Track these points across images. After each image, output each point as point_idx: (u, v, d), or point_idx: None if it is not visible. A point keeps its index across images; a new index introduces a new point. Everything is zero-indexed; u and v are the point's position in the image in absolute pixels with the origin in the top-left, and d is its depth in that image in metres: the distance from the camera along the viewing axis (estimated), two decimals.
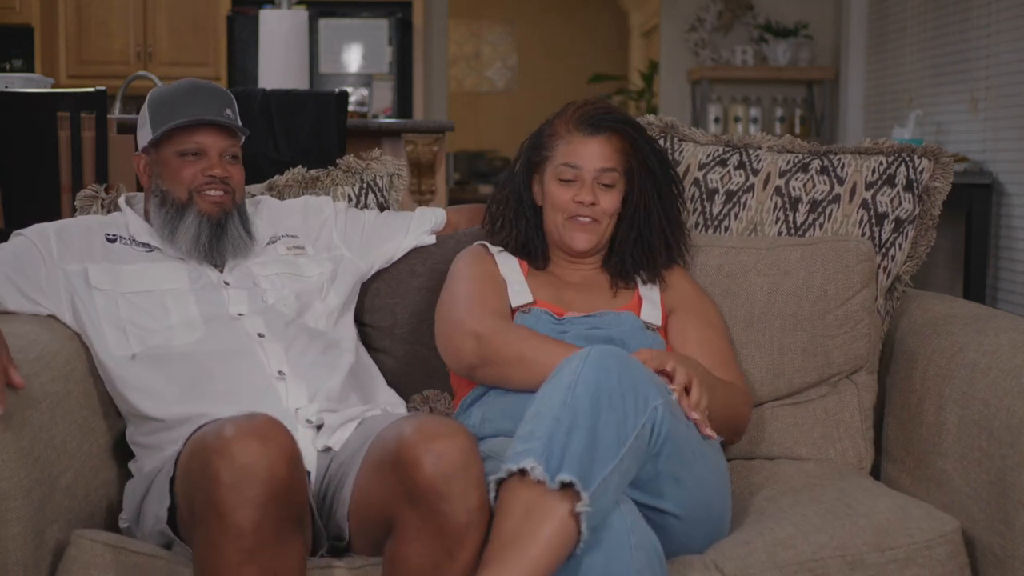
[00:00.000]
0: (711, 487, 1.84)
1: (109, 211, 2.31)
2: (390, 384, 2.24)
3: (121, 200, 2.21)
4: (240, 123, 2.14)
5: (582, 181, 2.14)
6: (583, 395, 1.68)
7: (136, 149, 2.20)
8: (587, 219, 2.15)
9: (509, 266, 2.20)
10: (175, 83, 2.17)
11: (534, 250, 2.23)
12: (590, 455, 1.63)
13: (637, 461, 1.70)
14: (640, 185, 2.18)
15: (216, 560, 1.58)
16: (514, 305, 2.13)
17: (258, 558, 1.58)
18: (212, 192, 2.09)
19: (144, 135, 2.13)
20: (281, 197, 2.41)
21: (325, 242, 2.27)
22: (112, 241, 2.12)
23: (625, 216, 2.19)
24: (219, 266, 2.12)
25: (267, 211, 2.27)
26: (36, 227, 2.11)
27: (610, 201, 2.15)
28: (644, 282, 2.21)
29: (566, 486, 1.60)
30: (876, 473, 2.25)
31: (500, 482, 1.65)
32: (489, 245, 2.25)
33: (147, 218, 2.16)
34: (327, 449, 1.92)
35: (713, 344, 2.13)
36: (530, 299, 2.14)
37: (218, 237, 2.10)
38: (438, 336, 2.11)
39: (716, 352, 2.12)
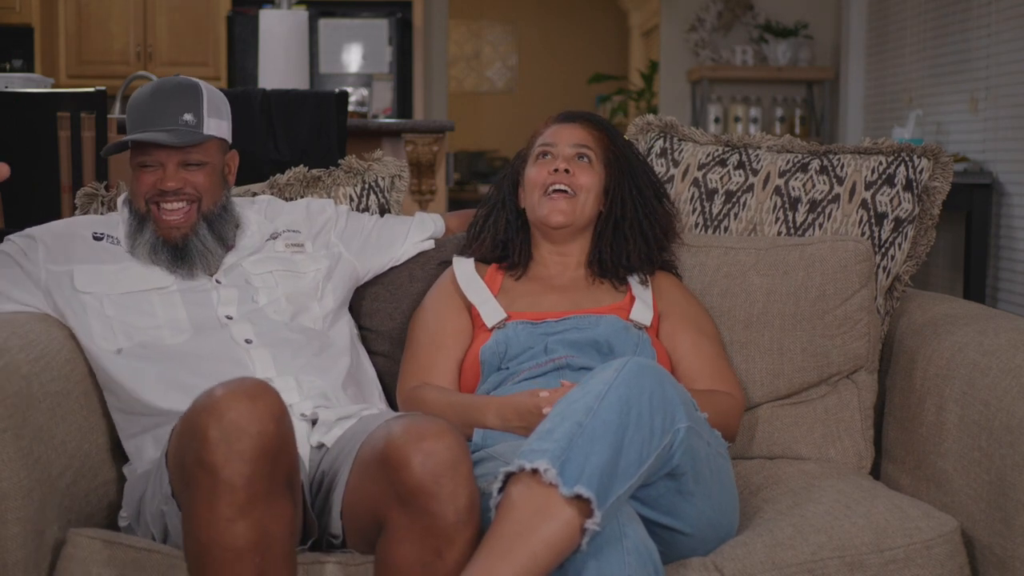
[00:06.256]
0: (722, 505, 1.84)
1: (110, 209, 2.31)
2: (389, 387, 2.24)
3: (120, 199, 2.21)
4: (205, 120, 2.07)
5: (556, 156, 2.21)
6: (611, 407, 1.65)
7: None
8: (562, 188, 2.18)
9: (474, 289, 2.21)
10: (146, 86, 2.12)
11: (513, 250, 2.25)
12: (611, 472, 1.61)
13: (649, 477, 1.69)
14: (617, 176, 2.22)
15: (208, 516, 1.57)
16: (489, 325, 2.14)
17: (250, 514, 1.57)
18: (168, 206, 2.06)
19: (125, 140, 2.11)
20: (282, 196, 2.41)
21: (324, 240, 2.27)
22: (98, 239, 2.11)
23: (604, 207, 2.23)
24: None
25: (269, 208, 2.27)
26: (21, 232, 2.12)
27: (585, 176, 2.19)
28: (639, 282, 2.22)
29: (579, 497, 1.58)
30: (876, 473, 2.26)
31: (509, 475, 1.63)
32: (455, 267, 2.26)
33: None
34: (321, 445, 1.92)
35: (706, 351, 2.14)
36: (503, 316, 2.15)
37: (181, 257, 2.07)
38: None
39: (709, 359, 2.14)
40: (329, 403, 1.98)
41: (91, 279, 2.05)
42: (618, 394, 1.67)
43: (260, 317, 2.06)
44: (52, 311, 2.06)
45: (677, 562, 1.79)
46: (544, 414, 1.83)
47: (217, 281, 2.09)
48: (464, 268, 2.25)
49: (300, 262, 2.18)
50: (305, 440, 1.91)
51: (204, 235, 2.09)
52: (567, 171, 2.18)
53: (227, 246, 2.13)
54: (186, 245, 2.08)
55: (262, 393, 1.61)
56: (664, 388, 1.71)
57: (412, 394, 2.12)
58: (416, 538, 1.61)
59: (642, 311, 2.17)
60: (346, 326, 2.20)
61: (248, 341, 2.02)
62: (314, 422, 1.94)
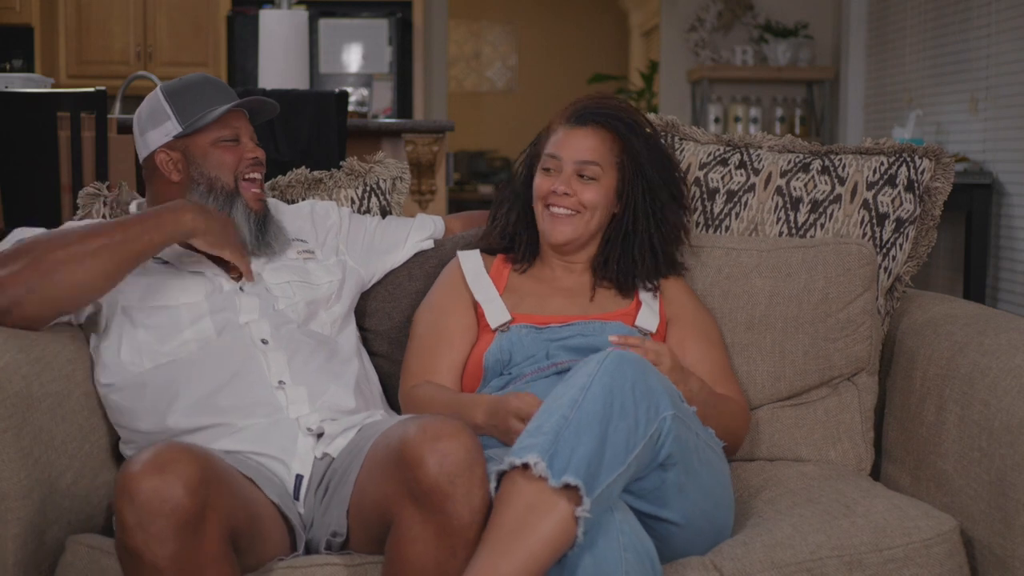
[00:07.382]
0: (715, 497, 1.84)
1: (111, 210, 2.30)
2: (388, 387, 2.24)
3: (132, 206, 2.20)
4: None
5: (560, 172, 2.15)
6: (595, 398, 1.67)
7: (145, 149, 2.14)
8: (563, 210, 2.14)
9: (481, 286, 2.19)
10: (185, 77, 2.16)
11: (520, 244, 2.23)
12: (598, 460, 1.63)
13: (640, 469, 1.70)
14: (631, 182, 2.16)
15: None
16: (493, 326, 2.13)
17: None
18: (254, 175, 2.11)
19: (167, 128, 2.09)
20: (283, 198, 2.41)
21: (331, 247, 2.27)
22: None
23: (617, 209, 2.18)
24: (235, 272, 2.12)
25: (277, 214, 2.26)
26: (65, 227, 2.08)
27: (591, 194, 2.14)
28: (646, 288, 2.20)
29: (568, 487, 1.60)
30: (876, 473, 2.25)
31: (502, 473, 1.65)
32: (462, 263, 2.23)
33: None
34: (325, 455, 1.92)
35: (712, 359, 2.14)
36: (507, 317, 2.14)
37: (263, 231, 2.12)
38: None
39: (716, 367, 2.13)
40: (336, 416, 1.98)
41: (127, 290, 2.02)
42: (601, 384, 1.69)
43: (278, 317, 2.07)
44: (84, 319, 2.04)
45: (676, 561, 1.79)
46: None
47: (240, 288, 2.09)
48: (470, 263, 2.23)
49: (313, 271, 2.18)
50: (309, 451, 1.92)
51: (272, 215, 2.16)
52: (567, 194, 2.13)
53: (283, 228, 2.20)
54: (266, 218, 2.14)
55: (173, 462, 1.56)
56: (647, 378, 1.72)
57: (411, 392, 2.12)
58: (430, 537, 1.61)
59: (648, 317, 2.15)
60: (353, 332, 2.20)
61: (264, 341, 2.02)
62: (319, 435, 1.94)
